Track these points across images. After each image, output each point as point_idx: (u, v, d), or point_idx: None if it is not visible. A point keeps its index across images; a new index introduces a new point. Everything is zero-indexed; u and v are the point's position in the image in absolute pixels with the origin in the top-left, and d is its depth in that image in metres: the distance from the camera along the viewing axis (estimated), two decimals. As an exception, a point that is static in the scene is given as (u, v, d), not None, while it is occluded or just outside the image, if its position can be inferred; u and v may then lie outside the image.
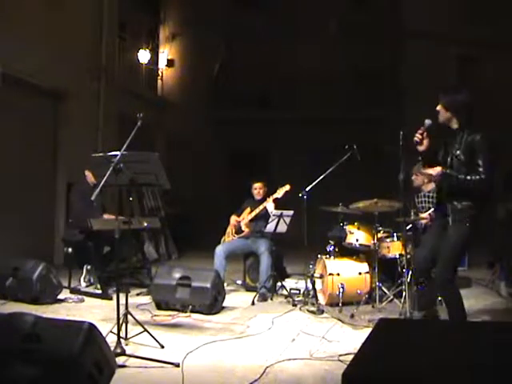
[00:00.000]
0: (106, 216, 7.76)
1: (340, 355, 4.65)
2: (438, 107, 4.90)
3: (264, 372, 4.27)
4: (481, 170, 4.64)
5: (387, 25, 16.51)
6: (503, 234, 7.96)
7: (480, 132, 4.73)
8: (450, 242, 4.82)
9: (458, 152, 4.78)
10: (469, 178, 4.66)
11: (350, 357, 4.21)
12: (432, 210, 6.90)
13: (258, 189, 7.98)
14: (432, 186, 7.22)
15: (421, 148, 4.89)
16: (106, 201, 8.31)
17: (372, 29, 16.25)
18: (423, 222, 6.98)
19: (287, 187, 7.50)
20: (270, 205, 7.58)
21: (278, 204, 7.58)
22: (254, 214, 7.81)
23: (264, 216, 7.64)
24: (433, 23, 15.74)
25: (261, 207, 7.69)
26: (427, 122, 4.85)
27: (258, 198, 7.96)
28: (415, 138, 4.86)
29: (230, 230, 8.06)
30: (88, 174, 7.78)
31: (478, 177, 4.64)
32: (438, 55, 16.13)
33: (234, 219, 8.01)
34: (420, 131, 4.85)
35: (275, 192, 7.61)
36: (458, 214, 4.78)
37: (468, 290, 7.92)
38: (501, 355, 2.61)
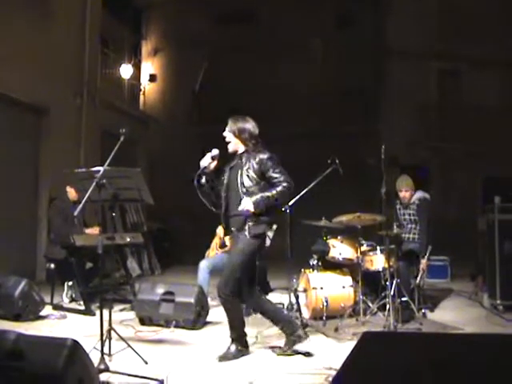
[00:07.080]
0: (87, 231, 7.73)
1: (324, 368, 4.64)
2: (226, 133, 5.34)
3: (248, 387, 4.26)
4: (281, 178, 5.05)
5: (368, 40, 16.67)
6: (485, 246, 8.04)
7: (264, 152, 5.25)
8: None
9: (251, 171, 5.13)
10: (277, 190, 5.01)
11: (335, 370, 4.21)
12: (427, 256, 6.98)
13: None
14: (415, 197, 7.27)
15: (207, 170, 5.27)
16: (88, 216, 8.25)
17: (353, 44, 16.39)
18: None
19: None
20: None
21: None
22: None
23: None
24: (414, 38, 15.91)
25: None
26: (215, 151, 5.30)
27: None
28: (203, 163, 5.24)
29: (213, 244, 8.03)
30: (70, 190, 7.73)
31: (281, 186, 5.02)
32: (419, 70, 16.29)
33: (221, 231, 7.99)
34: (209, 159, 5.26)
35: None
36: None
37: (451, 302, 7.97)
38: (485, 368, 2.63)
